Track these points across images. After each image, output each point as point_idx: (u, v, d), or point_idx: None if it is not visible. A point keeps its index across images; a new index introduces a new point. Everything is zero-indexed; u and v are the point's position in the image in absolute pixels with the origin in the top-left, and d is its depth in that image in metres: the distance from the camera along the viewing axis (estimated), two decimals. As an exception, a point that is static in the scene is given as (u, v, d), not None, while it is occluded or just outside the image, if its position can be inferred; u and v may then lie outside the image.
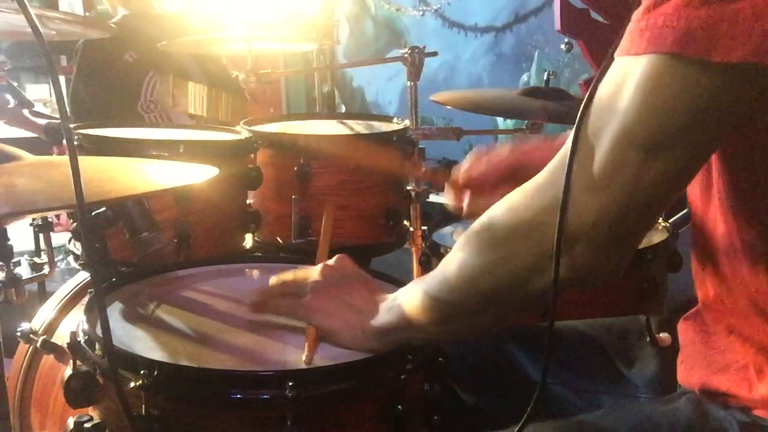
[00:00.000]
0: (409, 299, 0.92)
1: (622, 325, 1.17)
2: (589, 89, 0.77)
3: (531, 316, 0.90)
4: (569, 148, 0.76)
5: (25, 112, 2.20)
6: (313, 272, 1.05)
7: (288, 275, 1.07)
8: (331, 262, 1.07)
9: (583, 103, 0.77)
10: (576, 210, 0.75)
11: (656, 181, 0.73)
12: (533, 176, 0.83)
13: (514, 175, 1.12)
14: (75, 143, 1.51)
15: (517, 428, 0.85)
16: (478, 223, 0.85)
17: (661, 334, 1.09)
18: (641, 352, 1.08)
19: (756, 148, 0.78)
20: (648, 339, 1.11)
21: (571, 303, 1.40)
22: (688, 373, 0.94)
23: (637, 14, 0.73)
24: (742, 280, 0.84)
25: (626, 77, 0.73)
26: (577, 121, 0.77)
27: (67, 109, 2.46)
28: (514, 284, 0.83)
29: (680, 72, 0.70)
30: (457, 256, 0.87)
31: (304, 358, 0.94)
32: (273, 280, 1.07)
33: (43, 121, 2.21)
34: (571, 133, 0.77)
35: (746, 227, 0.82)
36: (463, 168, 1.19)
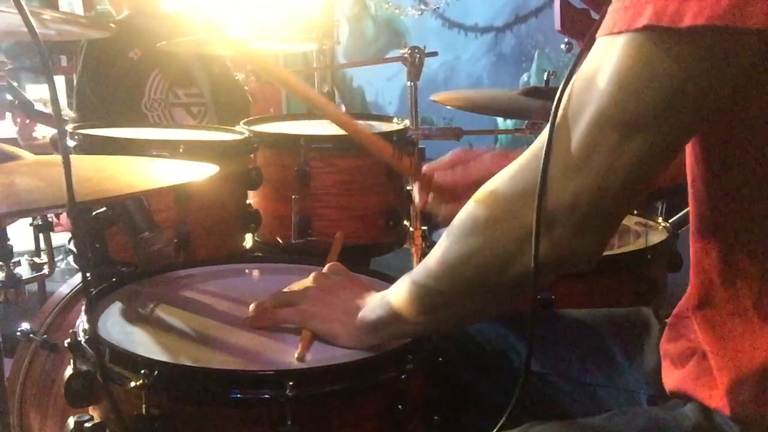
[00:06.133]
0: (397, 292, 0.93)
1: (625, 317, 1.16)
2: (567, 72, 0.75)
3: (515, 303, 0.89)
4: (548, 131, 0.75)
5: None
6: (306, 281, 1.08)
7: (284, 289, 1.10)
8: (324, 270, 1.10)
9: (561, 85, 0.75)
10: (553, 192, 0.74)
11: (632, 163, 0.72)
12: None
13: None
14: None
15: (503, 418, 0.86)
16: (461, 211, 0.85)
17: None
18: (643, 347, 1.07)
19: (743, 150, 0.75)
20: (654, 330, 1.10)
21: (570, 303, 1.40)
22: (664, 374, 0.94)
23: None
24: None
25: (605, 57, 0.70)
26: (555, 102, 0.75)
27: (73, 108, 2.46)
28: (495, 269, 0.82)
29: (654, 46, 0.67)
30: (442, 244, 0.86)
31: (296, 355, 0.95)
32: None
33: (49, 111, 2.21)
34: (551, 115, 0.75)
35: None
36: (436, 175, 1.15)
